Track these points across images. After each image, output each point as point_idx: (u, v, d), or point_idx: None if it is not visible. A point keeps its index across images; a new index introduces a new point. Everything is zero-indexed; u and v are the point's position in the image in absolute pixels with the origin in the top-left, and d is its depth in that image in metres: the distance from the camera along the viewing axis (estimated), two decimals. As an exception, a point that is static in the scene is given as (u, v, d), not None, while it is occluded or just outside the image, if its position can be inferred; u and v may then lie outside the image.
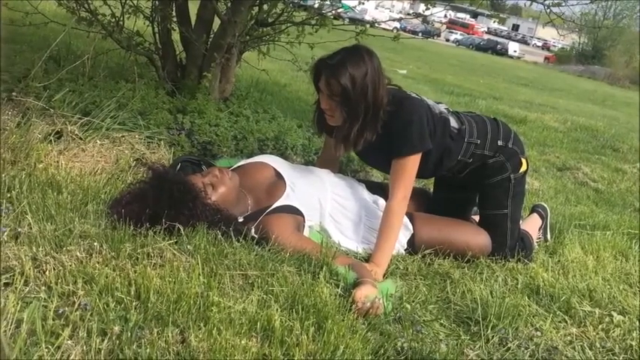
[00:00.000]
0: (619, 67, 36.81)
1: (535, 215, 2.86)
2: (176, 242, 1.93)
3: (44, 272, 1.63)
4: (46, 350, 1.33)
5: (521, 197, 2.56)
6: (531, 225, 2.76)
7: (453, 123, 2.39)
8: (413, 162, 2.25)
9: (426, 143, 2.26)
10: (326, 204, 2.34)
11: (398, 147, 2.25)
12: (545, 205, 2.97)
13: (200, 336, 1.49)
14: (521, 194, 2.55)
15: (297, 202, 2.26)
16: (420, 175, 2.39)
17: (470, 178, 2.48)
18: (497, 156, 2.42)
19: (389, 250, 2.23)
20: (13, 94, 2.81)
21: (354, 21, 5.29)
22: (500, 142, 2.42)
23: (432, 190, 2.82)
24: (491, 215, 2.48)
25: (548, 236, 2.86)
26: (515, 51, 46.75)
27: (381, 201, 2.44)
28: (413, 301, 1.97)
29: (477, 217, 2.64)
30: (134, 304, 1.57)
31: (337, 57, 2.20)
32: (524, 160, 2.49)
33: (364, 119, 2.21)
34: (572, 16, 4.19)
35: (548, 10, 3.66)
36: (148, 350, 1.40)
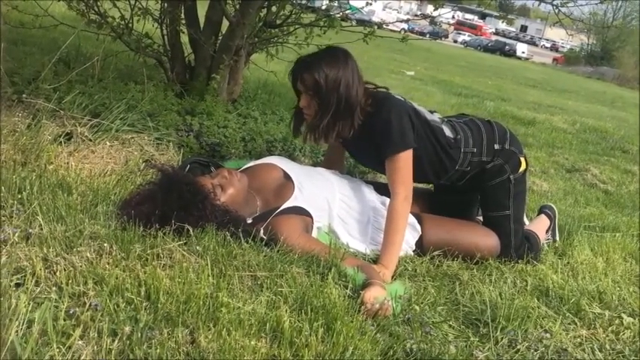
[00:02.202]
0: (628, 68, 36.62)
1: (543, 216, 2.84)
2: (185, 243, 1.93)
3: (55, 273, 1.64)
4: (57, 350, 1.33)
5: (523, 196, 2.56)
6: (539, 226, 2.75)
7: (448, 133, 2.38)
8: (404, 160, 2.25)
9: (409, 140, 2.25)
10: (334, 205, 2.35)
11: (384, 148, 2.27)
12: (553, 206, 2.96)
13: (210, 336, 1.49)
14: (523, 193, 2.54)
15: (306, 203, 2.26)
16: (423, 181, 2.39)
17: (470, 184, 2.47)
18: (495, 160, 2.41)
19: (396, 251, 2.23)
20: (24, 95, 2.83)
21: (361, 22, 5.30)
22: (497, 146, 2.41)
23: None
24: (493, 217, 2.47)
25: (557, 237, 2.84)
26: (523, 52, 46.61)
27: (389, 201, 2.44)
28: (422, 303, 1.97)
29: (481, 218, 2.62)
30: (144, 304, 1.57)
31: (313, 56, 2.30)
32: (522, 159, 2.48)
33: (335, 113, 2.25)
34: (581, 16, 4.18)
35: (556, 10, 3.65)
36: (158, 351, 1.40)
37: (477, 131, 2.43)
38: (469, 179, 2.45)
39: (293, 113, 2.45)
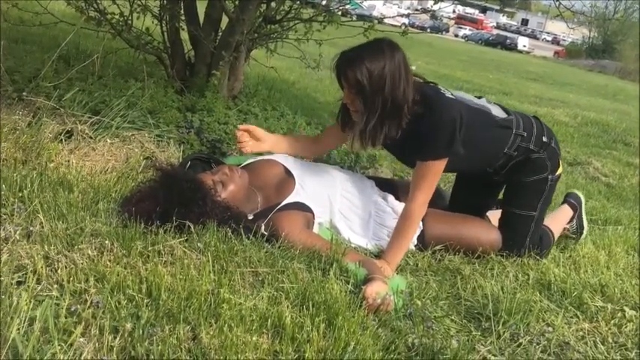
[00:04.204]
0: (630, 61, 36.49)
1: (565, 207, 2.76)
2: (186, 240, 1.93)
3: (56, 270, 1.64)
4: (59, 348, 1.34)
5: (550, 200, 2.51)
6: (557, 219, 2.69)
7: (498, 112, 2.32)
8: (438, 167, 2.20)
9: (455, 149, 2.17)
10: (335, 200, 2.34)
11: (425, 151, 2.19)
12: (578, 193, 2.86)
13: (211, 333, 1.49)
14: (551, 198, 2.50)
15: (307, 199, 2.26)
16: (468, 170, 2.39)
17: (509, 175, 2.41)
18: (541, 152, 2.35)
19: (402, 250, 2.22)
20: (24, 93, 2.83)
21: (362, 17, 5.29)
22: (545, 139, 2.36)
23: (449, 190, 2.77)
24: (517, 214, 2.42)
25: (585, 225, 2.76)
26: (524, 46, 46.46)
27: (390, 197, 2.44)
28: (423, 297, 1.97)
29: (491, 214, 2.60)
30: (145, 301, 1.58)
31: (356, 50, 2.15)
32: (561, 163, 2.45)
33: (382, 114, 2.13)
34: (582, 9, 4.17)
35: (557, 3, 3.64)
36: (159, 347, 1.40)
37: (527, 120, 2.39)
38: (510, 169, 2.38)
39: (340, 107, 2.35)
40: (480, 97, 2.40)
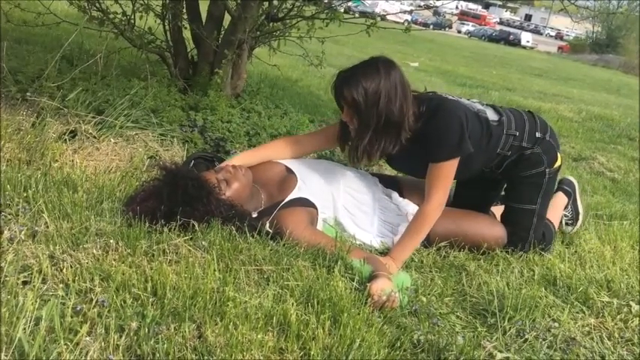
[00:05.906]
0: (634, 56, 36.30)
1: (559, 196, 2.76)
2: (191, 238, 1.94)
3: (61, 270, 1.65)
4: (65, 347, 1.34)
5: (551, 194, 2.52)
6: (555, 208, 2.68)
7: (492, 116, 2.33)
8: (451, 166, 2.20)
9: (465, 147, 2.19)
10: (339, 196, 2.34)
11: (436, 152, 2.20)
12: (571, 179, 2.86)
13: (217, 331, 1.49)
14: (551, 192, 2.50)
15: (310, 194, 2.26)
16: (462, 177, 2.38)
17: (505, 173, 2.41)
18: (535, 148, 2.36)
19: (410, 249, 2.21)
20: (28, 94, 2.84)
21: (364, 14, 5.28)
22: (538, 134, 2.37)
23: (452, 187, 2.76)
24: (518, 209, 2.42)
25: (581, 210, 2.75)
26: (528, 41, 46.31)
27: (395, 194, 2.44)
28: (429, 294, 1.97)
29: (495, 209, 2.60)
30: (151, 300, 1.58)
31: (352, 70, 2.19)
32: (559, 155, 2.44)
33: (376, 130, 2.16)
34: (586, 3, 4.15)
35: (561, -2, 3.63)
36: (165, 346, 1.40)
37: (520, 117, 2.40)
38: (506, 167, 2.39)
39: (339, 126, 2.37)
40: (474, 101, 2.41)
